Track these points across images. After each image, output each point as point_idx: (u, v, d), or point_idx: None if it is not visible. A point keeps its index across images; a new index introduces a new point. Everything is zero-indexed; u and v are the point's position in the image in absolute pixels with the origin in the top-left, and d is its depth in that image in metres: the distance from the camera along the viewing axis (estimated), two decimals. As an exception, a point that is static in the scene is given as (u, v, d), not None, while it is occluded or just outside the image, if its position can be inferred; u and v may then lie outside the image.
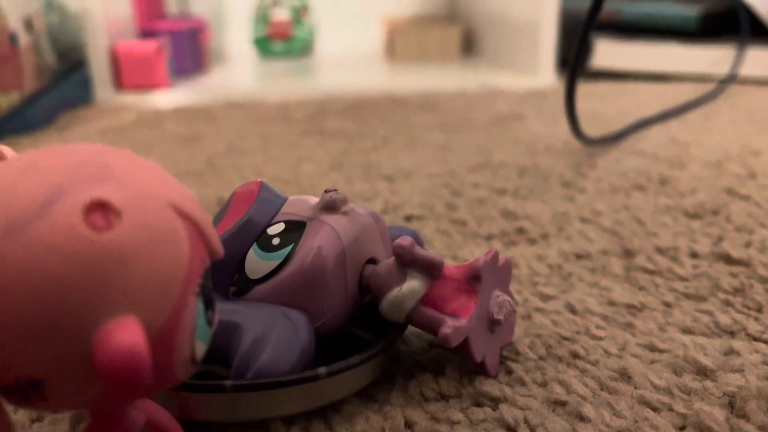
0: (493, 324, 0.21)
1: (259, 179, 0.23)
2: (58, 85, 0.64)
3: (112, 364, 0.11)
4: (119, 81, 0.75)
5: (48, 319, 0.12)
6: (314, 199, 0.22)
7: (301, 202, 0.22)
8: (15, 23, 0.57)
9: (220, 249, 0.14)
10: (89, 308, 0.12)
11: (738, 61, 0.74)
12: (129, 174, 0.13)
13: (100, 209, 0.12)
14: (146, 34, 0.82)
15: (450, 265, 0.21)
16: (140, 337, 0.12)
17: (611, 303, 0.26)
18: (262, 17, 1.09)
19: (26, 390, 0.12)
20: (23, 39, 0.58)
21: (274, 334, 0.19)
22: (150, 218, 0.12)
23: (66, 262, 0.11)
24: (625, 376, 0.21)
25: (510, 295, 0.22)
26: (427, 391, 0.21)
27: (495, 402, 0.20)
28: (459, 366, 0.22)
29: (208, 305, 0.14)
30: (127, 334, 0.11)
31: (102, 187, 0.12)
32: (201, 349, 0.14)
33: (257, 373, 0.18)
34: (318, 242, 0.20)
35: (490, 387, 0.20)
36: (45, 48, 0.63)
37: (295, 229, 0.21)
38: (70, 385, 0.12)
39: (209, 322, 0.14)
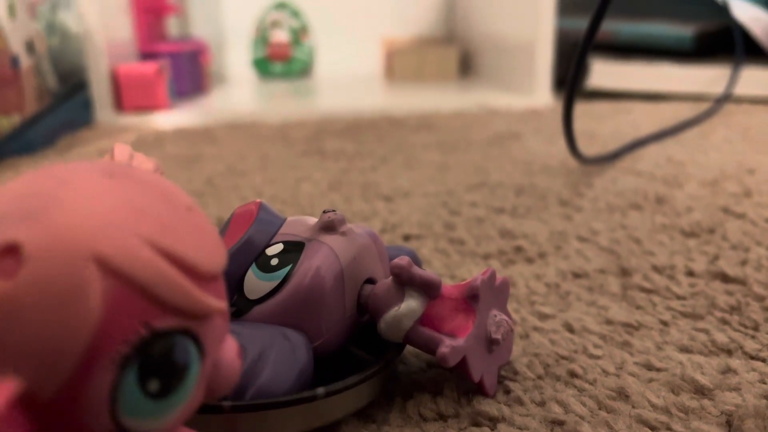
0: (490, 343, 0.21)
1: (258, 200, 0.23)
2: (59, 107, 0.65)
3: None
4: (120, 103, 0.75)
5: None
6: (312, 220, 0.22)
7: (300, 222, 0.22)
8: (17, 46, 0.58)
9: (195, 304, 0.12)
10: None
11: (733, 80, 0.75)
12: (67, 210, 0.11)
13: (11, 253, 0.11)
14: (147, 56, 0.83)
15: (447, 284, 0.21)
16: (3, 404, 0.10)
17: (609, 322, 0.26)
18: (262, 38, 1.10)
19: None
20: (24, 61, 0.59)
21: (272, 355, 0.19)
22: (57, 272, 0.11)
23: None
24: (622, 395, 0.21)
25: (508, 314, 0.22)
26: (426, 411, 0.21)
27: (493, 422, 0.20)
28: (457, 386, 0.22)
29: (151, 374, 0.12)
30: None
31: (23, 227, 0.11)
32: (145, 424, 0.12)
33: (256, 393, 0.18)
34: (316, 263, 0.20)
35: (489, 407, 0.21)
36: (46, 70, 0.63)
37: (293, 249, 0.21)
38: None
39: (153, 396, 0.12)
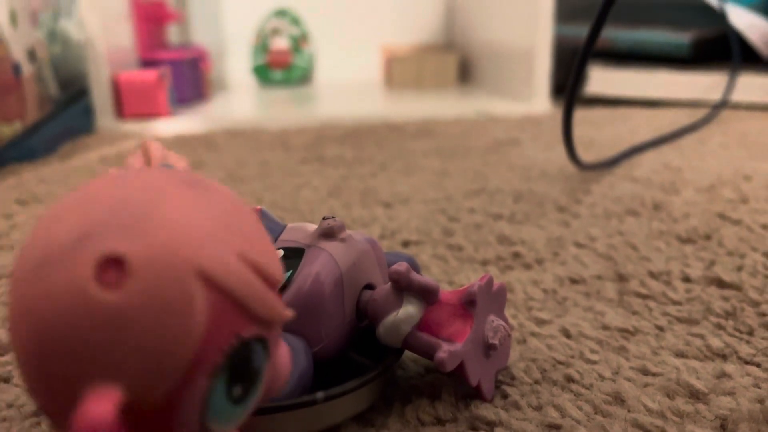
0: (488, 348, 0.21)
1: (258, 206, 0.23)
2: (60, 114, 0.66)
3: (78, 429, 0.11)
4: (121, 110, 0.76)
5: (44, 360, 0.11)
6: (312, 227, 0.23)
7: (300, 229, 0.23)
8: (18, 53, 0.58)
9: (276, 315, 0.13)
10: (79, 365, 0.11)
11: (729, 86, 0.76)
12: (167, 223, 0.12)
13: (115, 265, 0.11)
14: (147, 63, 0.83)
15: (445, 290, 0.22)
16: (108, 413, 0.11)
17: (605, 327, 0.27)
18: (262, 46, 1.11)
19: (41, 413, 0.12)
20: (26, 69, 0.59)
21: None
22: (164, 285, 0.11)
23: (67, 315, 0.11)
24: (618, 399, 0.21)
25: (505, 319, 0.23)
26: (424, 415, 0.21)
27: (491, 426, 0.20)
28: (455, 390, 0.22)
29: (237, 380, 0.12)
30: (98, 408, 0.11)
31: (125, 239, 0.11)
32: (221, 427, 0.13)
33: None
34: (316, 268, 0.21)
35: (486, 411, 0.21)
36: (48, 78, 0.64)
37: (293, 255, 0.21)
38: (66, 426, 0.12)
39: (235, 401, 0.13)
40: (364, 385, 0.20)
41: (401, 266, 0.20)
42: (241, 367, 0.12)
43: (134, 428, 0.12)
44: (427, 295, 0.20)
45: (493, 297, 0.22)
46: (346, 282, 0.21)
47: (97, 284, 0.11)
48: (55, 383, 0.11)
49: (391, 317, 0.21)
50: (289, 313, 0.13)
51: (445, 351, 0.20)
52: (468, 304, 0.21)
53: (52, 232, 0.12)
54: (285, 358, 0.15)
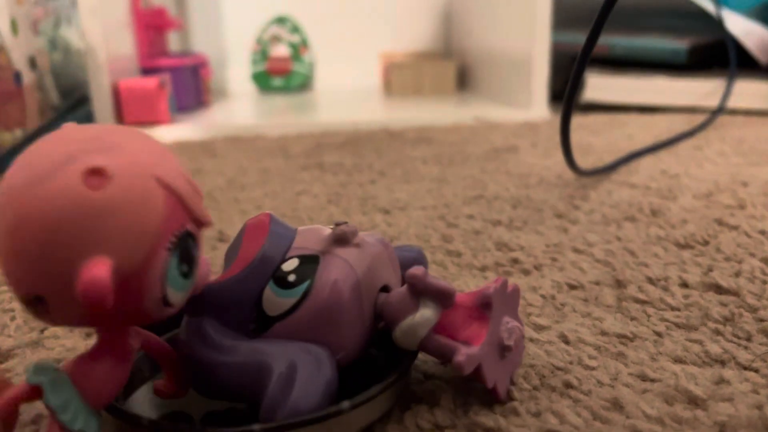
0: (503, 350, 0.21)
1: (267, 212, 0.23)
2: (61, 121, 0.66)
3: (82, 290, 0.15)
4: (121, 117, 0.76)
5: (46, 250, 0.15)
6: (324, 230, 0.22)
7: (312, 233, 0.22)
8: (19, 61, 0.58)
9: (203, 216, 0.18)
10: (76, 246, 0.15)
11: (727, 93, 0.76)
12: (129, 149, 0.16)
13: (97, 174, 0.16)
14: (148, 70, 0.83)
15: (460, 292, 0.22)
16: (106, 272, 0.15)
17: (603, 333, 0.27)
18: (262, 53, 1.11)
19: (35, 303, 0.16)
20: (27, 77, 0.59)
21: (299, 372, 0.19)
22: (134, 184, 0.16)
23: (63, 210, 0.15)
24: (617, 405, 0.22)
25: (519, 320, 0.23)
26: (423, 422, 0.21)
27: (489, 432, 0.20)
28: (454, 397, 0.22)
29: (184, 260, 0.17)
30: (96, 269, 0.15)
31: (103, 157, 0.16)
32: (175, 296, 0.18)
33: (287, 413, 0.18)
34: (333, 276, 0.20)
35: (485, 417, 0.21)
36: (48, 85, 0.64)
37: (309, 263, 0.21)
38: (64, 304, 0.16)
39: (184, 275, 0.18)
40: (387, 389, 0.20)
41: (418, 270, 0.21)
42: (185, 250, 0.17)
43: (117, 290, 0.16)
44: (443, 298, 0.21)
45: (508, 298, 0.22)
46: (364, 287, 0.21)
47: (85, 187, 0.15)
48: (56, 266, 0.15)
49: (408, 320, 0.21)
50: (210, 219, 0.18)
51: (463, 354, 0.20)
52: (484, 306, 0.21)
53: (40, 157, 0.16)
54: (204, 267, 0.20)
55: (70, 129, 0.17)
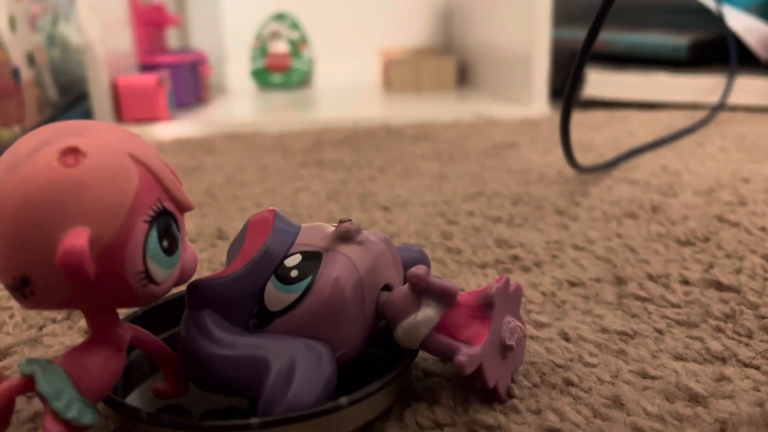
0: (505, 350, 0.21)
1: (272, 208, 0.23)
2: (59, 118, 0.66)
3: (62, 259, 0.15)
4: (120, 114, 0.76)
5: (28, 230, 0.16)
6: (327, 227, 0.22)
7: (316, 230, 0.22)
8: (18, 58, 0.58)
9: (183, 199, 0.18)
10: (56, 220, 0.16)
11: (727, 89, 0.76)
12: (100, 133, 0.17)
13: (72, 152, 0.16)
14: (147, 67, 0.83)
15: (462, 292, 0.22)
16: (83, 240, 0.15)
17: (604, 330, 0.27)
18: (261, 49, 1.11)
19: (21, 287, 0.17)
20: (26, 73, 0.59)
21: (298, 368, 0.19)
22: (108, 160, 0.17)
23: (40, 188, 0.16)
24: (617, 403, 0.21)
25: (520, 320, 0.23)
26: (422, 419, 0.21)
27: (489, 430, 0.20)
28: (453, 395, 0.22)
29: (164, 237, 0.18)
30: (75, 239, 0.16)
31: (76, 138, 0.17)
32: (159, 273, 0.18)
33: (285, 408, 0.18)
34: (335, 273, 0.20)
35: (485, 415, 0.21)
36: (47, 82, 0.64)
37: (312, 260, 0.21)
38: (49, 282, 0.16)
39: (165, 251, 0.18)
40: (387, 386, 0.20)
41: (420, 269, 0.20)
42: (165, 227, 0.18)
43: (99, 261, 0.16)
44: (445, 297, 0.20)
45: (510, 298, 0.22)
46: (366, 285, 0.21)
47: (61, 165, 0.16)
48: (38, 243, 0.16)
49: (410, 319, 0.21)
50: (191, 203, 0.19)
51: (464, 354, 0.20)
52: (486, 306, 0.21)
53: (16, 148, 0.17)
54: (191, 254, 0.20)
55: (44, 126, 0.18)
